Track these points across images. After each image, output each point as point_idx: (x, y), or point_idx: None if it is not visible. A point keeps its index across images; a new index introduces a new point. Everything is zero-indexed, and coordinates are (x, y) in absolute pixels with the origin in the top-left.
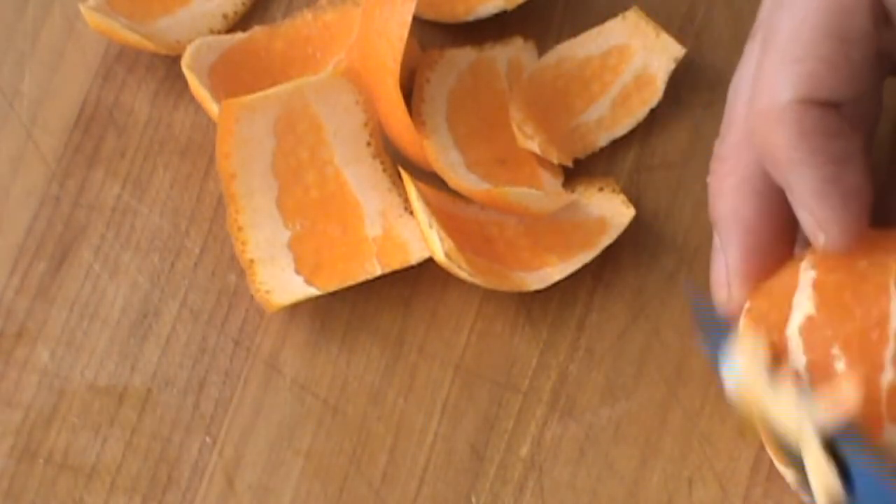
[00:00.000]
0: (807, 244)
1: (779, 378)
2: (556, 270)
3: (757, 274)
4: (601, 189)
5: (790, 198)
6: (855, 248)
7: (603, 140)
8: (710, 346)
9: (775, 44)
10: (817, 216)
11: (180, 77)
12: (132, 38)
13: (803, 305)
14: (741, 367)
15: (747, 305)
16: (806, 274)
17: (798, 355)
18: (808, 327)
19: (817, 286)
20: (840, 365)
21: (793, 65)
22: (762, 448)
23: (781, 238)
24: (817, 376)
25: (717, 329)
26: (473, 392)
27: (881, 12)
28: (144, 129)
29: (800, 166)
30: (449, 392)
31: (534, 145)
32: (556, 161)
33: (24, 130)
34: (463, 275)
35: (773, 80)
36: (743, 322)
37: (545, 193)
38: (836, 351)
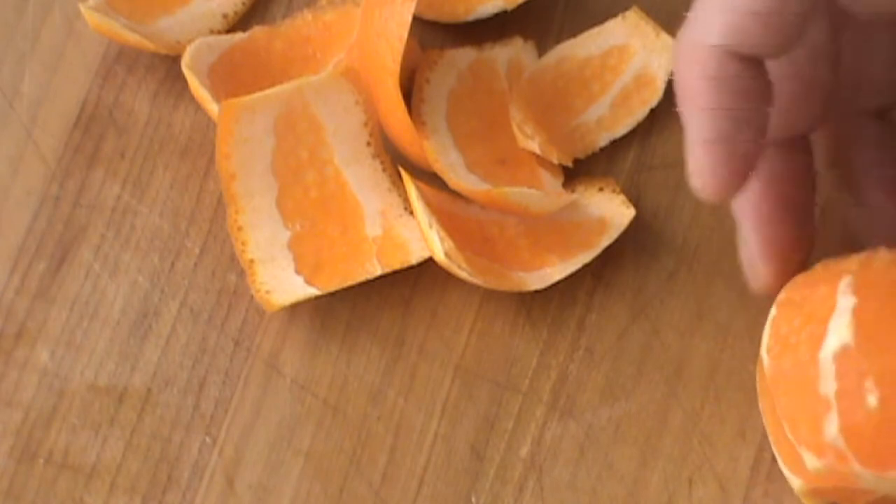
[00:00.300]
0: (849, 251)
1: None
2: (556, 270)
3: (775, 247)
4: (601, 189)
5: (686, 132)
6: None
7: (603, 140)
8: None
9: None
10: (697, 160)
11: (180, 77)
12: (132, 38)
13: (840, 332)
14: None
15: (782, 296)
16: (845, 298)
17: (829, 381)
18: (843, 356)
19: (856, 314)
20: (872, 399)
21: (726, 13)
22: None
23: (790, 211)
24: (846, 405)
25: None
26: (473, 392)
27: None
28: (144, 129)
29: (700, 110)
30: (449, 392)
31: (534, 145)
32: (556, 161)
33: (24, 130)
34: (463, 275)
35: (706, 20)
36: (775, 312)
37: (545, 193)
38: (869, 384)
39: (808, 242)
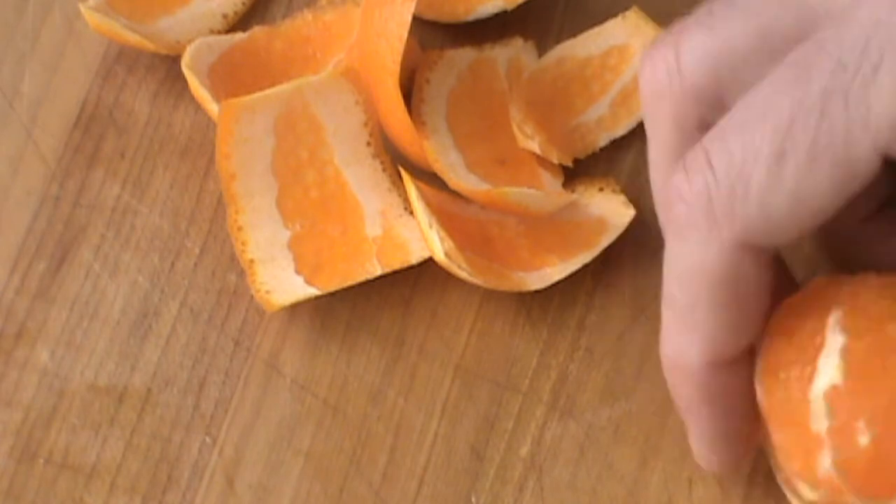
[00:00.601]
0: (830, 271)
1: None
2: (556, 270)
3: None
4: (601, 189)
5: (686, 425)
6: (886, 308)
7: (603, 140)
8: None
9: (675, 309)
10: (702, 453)
11: (180, 77)
12: (132, 38)
13: (830, 372)
14: None
15: (773, 324)
16: (835, 336)
17: (820, 419)
18: (834, 396)
19: (846, 354)
20: (864, 439)
21: (694, 332)
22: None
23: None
24: (839, 442)
25: None
26: (473, 392)
27: (773, 252)
28: (144, 129)
29: (699, 417)
30: (449, 392)
31: (534, 145)
32: (556, 161)
33: (24, 130)
34: (463, 275)
35: (679, 340)
36: (766, 340)
37: (545, 193)
38: (861, 424)
39: (751, 430)
